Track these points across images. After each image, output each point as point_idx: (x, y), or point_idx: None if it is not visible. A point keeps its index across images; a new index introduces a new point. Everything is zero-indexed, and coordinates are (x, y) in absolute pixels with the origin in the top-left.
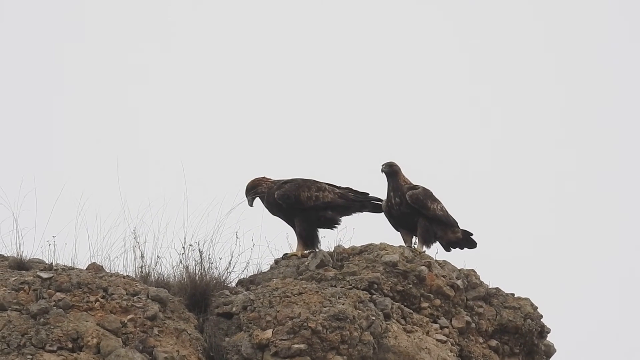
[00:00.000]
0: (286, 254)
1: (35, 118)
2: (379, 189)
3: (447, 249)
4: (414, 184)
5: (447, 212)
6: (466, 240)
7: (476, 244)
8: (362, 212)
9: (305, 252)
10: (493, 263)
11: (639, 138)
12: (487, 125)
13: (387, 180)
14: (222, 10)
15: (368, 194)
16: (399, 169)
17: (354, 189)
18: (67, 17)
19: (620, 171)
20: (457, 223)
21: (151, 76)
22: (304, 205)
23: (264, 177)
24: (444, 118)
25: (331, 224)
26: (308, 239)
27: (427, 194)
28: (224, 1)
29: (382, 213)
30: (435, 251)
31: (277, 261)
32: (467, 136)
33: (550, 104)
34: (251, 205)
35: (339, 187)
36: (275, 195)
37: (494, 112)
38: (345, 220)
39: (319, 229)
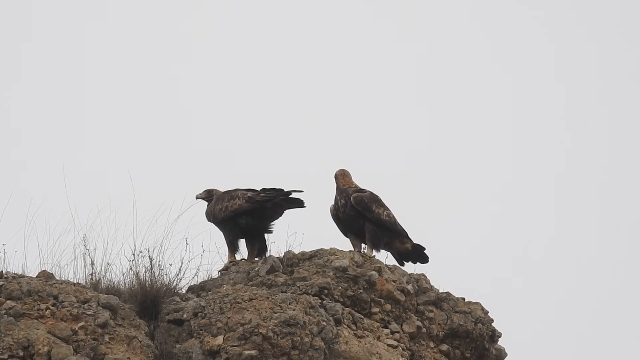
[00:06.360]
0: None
1: None
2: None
3: (401, 263)
4: (362, 188)
5: (394, 219)
6: (418, 254)
7: (428, 258)
8: (283, 210)
9: (233, 259)
10: (444, 267)
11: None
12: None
13: (336, 185)
14: (173, 19)
15: (282, 189)
16: (347, 173)
17: (270, 188)
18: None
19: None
20: (406, 233)
21: (96, 81)
22: (217, 217)
23: (214, 189)
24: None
25: (257, 230)
26: (230, 246)
27: (373, 198)
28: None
29: (305, 208)
30: (385, 256)
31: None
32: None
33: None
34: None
35: (255, 191)
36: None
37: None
38: (295, 224)
39: (242, 237)
